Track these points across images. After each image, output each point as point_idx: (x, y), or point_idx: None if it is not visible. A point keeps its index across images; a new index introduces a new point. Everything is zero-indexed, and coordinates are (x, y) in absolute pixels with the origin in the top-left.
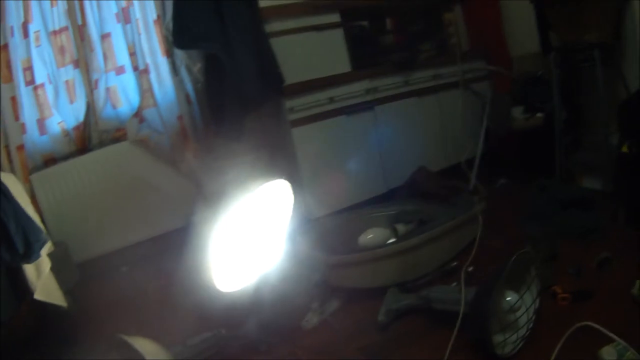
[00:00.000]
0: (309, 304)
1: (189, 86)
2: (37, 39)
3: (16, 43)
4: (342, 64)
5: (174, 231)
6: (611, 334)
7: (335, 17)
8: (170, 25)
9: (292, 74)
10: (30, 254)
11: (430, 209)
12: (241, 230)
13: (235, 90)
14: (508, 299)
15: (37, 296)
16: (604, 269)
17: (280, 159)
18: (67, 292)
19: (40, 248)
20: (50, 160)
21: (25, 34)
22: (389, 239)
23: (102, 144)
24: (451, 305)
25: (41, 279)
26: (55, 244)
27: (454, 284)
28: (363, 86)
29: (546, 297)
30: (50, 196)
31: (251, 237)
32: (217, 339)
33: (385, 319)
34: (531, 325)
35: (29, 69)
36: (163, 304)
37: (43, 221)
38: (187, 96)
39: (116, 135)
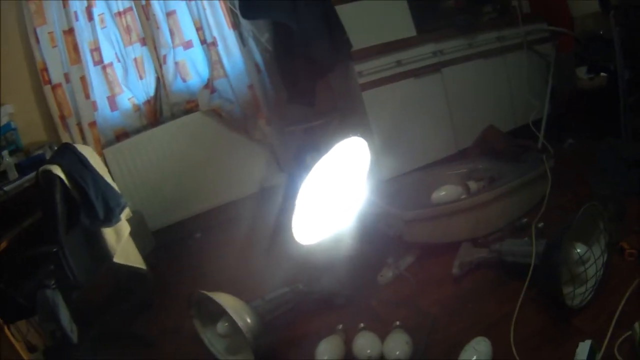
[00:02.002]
0: (384, 259)
1: (257, 56)
2: (102, 21)
3: (82, 26)
4: (407, 29)
5: (247, 197)
6: None
7: None
8: None
9: (359, 40)
10: (111, 218)
11: (501, 166)
12: (321, 187)
13: (305, 56)
14: (577, 250)
15: (117, 259)
16: None
17: (352, 122)
18: (143, 258)
19: (121, 212)
20: (122, 135)
21: (90, 17)
22: (461, 196)
23: (173, 116)
24: (522, 257)
25: (120, 243)
26: (133, 212)
27: (525, 238)
28: (429, 49)
29: (614, 252)
30: (124, 169)
31: (330, 193)
32: (294, 294)
33: (459, 271)
34: (599, 277)
35: (96, 49)
36: (239, 265)
37: None
38: (256, 65)
39: (187, 107)
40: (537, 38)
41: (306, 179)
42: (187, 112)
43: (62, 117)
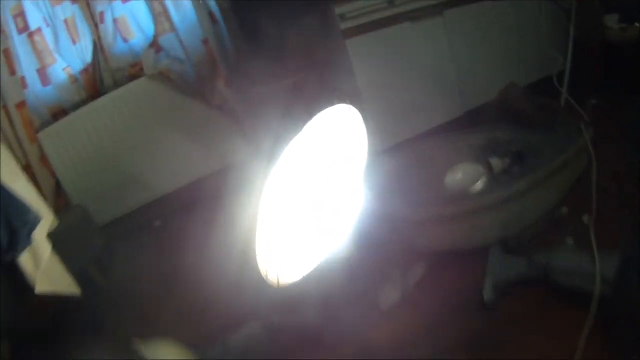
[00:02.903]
0: (386, 271)
1: (212, 3)
2: None
3: None
4: None
5: (210, 176)
6: None
7: None
8: None
9: None
10: (16, 244)
11: (528, 136)
12: (297, 187)
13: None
14: None
15: (40, 289)
16: None
17: (333, 79)
18: (92, 261)
19: (30, 233)
20: (59, 113)
21: None
22: (482, 177)
23: (116, 84)
24: (582, 281)
25: (41, 268)
26: (72, 208)
27: (569, 240)
28: None
29: None
30: (63, 153)
31: (312, 195)
32: (267, 332)
33: (493, 297)
34: None
35: (19, 15)
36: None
37: (58, 183)
38: (211, 15)
39: (132, 72)
40: None
41: (270, 174)
42: (132, 78)
43: None
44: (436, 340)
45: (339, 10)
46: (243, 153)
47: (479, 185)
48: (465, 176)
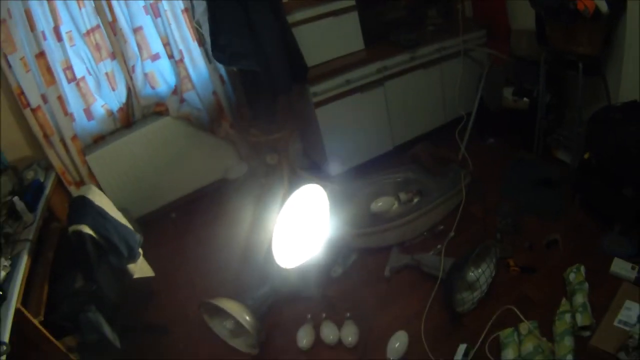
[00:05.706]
0: (334, 258)
1: (222, 70)
2: (71, 39)
3: (51, 47)
4: (356, 43)
5: (212, 183)
6: (524, 320)
7: (350, 2)
8: (200, 21)
9: (312, 58)
10: (134, 255)
11: (427, 180)
12: (293, 223)
13: (268, 85)
14: (471, 273)
15: (137, 276)
16: (550, 248)
17: (307, 132)
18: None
19: (139, 247)
20: (99, 139)
21: (59, 37)
22: (393, 205)
23: (144, 118)
24: (434, 270)
25: (138, 264)
26: (121, 210)
27: (439, 246)
28: (375, 67)
29: (502, 265)
30: (106, 172)
31: (301, 227)
32: (273, 291)
33: (389, 274)
34: (486, 289)
35: (68, 68)
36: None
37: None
38: (220, 77)
39: (156, 109)
40: (477, 44)
41: (280, 215)
42: (158, 114)
43: (46, 136)
44: (361, 293)
45: (312, 89)
46: (237, 171)
47: (392, 210)
48: (383, 204)
